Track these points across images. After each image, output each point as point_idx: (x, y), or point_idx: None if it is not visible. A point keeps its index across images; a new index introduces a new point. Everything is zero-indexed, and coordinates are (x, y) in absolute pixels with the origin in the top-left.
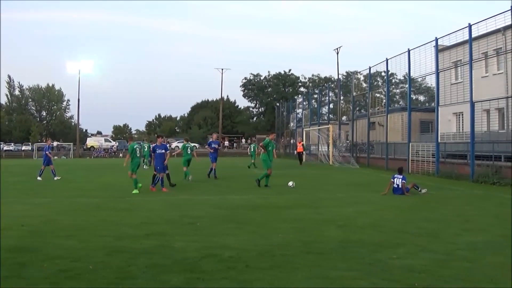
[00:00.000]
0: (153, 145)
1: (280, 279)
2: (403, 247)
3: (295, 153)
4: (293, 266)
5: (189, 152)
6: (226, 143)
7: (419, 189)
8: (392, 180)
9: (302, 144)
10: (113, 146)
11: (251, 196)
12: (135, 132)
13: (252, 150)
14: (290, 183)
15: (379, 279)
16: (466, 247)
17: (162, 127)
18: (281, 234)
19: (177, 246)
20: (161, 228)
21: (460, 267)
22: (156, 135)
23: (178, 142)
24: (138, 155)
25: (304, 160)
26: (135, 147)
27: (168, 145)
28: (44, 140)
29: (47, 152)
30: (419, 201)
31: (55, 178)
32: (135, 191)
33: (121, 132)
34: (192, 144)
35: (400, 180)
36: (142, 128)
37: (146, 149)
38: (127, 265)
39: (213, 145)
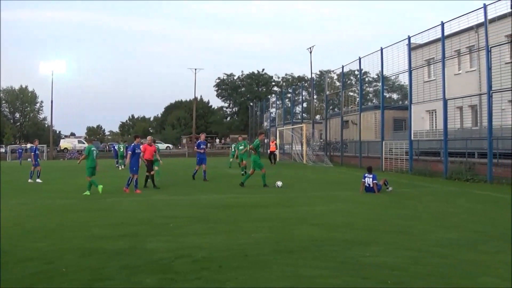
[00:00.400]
0: (132, 144)
1: (253, 278)
2: (376, 245)
3: (268, 152)
4: (265, 266)
5: (94, 158)
6: None
7: (387, 186)
8: (363, 180)
9: (275, 144)
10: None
11: (223, 196)
12: (109, 133)
13: (233, 150)
14: (279, 183)
15: (352, 276)
16: (439, 244)
17: (135, 128)
18: (253, 234)
19: (151, 247)
20: (135, 229)
21: (432, 263)
22: (135, 136)
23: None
24: (94, 158)
25: (277, 159)
26: (92, 149)
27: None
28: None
29: (33, 153)
30: (392, 198)
31: (29, 180)
32: (86, 193)
33: (94, 134)
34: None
35: (371, 179)
36: (116, 129)
37: (121, 150)
38: (101, 267)
39: (202, 146)
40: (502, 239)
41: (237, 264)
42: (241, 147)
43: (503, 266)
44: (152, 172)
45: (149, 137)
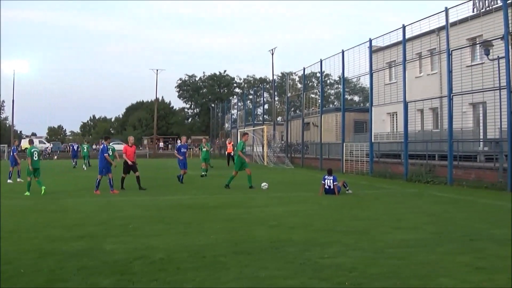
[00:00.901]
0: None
1: (211, 279)
2: (333, 246)
3: (226, 153)
4: (223, 267)
5: (35, 159)
6: (161, 144)
7: (347, 188)
8: (323, 181)
9: (232, 145)
10: (47, 147)
11: (181, 196)
12: (70, 133)
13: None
14: (264, 185)
15: (309, 278)
16: (396, 245)
17: (96, 128)
18: (212, 235)
19: (108, 248)
20: (93, 230)
21: (389, 264)
22: (105, 137)
23: (113, 144)
24: (36, 159)
25: None
26: (32, 150)
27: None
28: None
29: (14, 153)
30: (351, 200)
31: (8, 181)
32: (26, 193)
33: (55, 134)
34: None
35: (331, 181)
36: (77, 129)
37: (85, 150)
38: (58, 268)
39: (182, 150)
40: (460, 240)
41: (195, 265)
42: (204, 149)
43: (461, 268)
44: (137, 173)
45: (130, 137)
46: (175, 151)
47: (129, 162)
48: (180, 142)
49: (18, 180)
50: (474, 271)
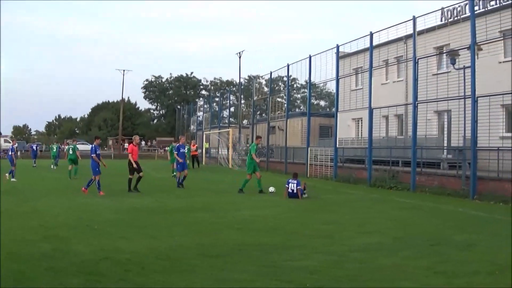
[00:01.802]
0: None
1: (177, 281)
2: (298, 249)
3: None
4: (189, 269)
5: None
6: (126, 145)
7: (304, 192)
8: (287, 185)
9: (196, 147)
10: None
11: (149, 199)
12: (35, 133)
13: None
14: (271, 189)
15: (274, 280)
16: (359, 249)
17: (62, 128)
18: (179, 238)
19: (76, 249)
20: (60, 232)
21: (352, 268)
22: (95, 137)
23: (79, 144)
24: None
25: (203, 163)
26: None
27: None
28: None
29: (12, 153)
30: (316, 204)
31: (12, 180)
32: None
33: (20, 133)
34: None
35: (295, 185)
36: (42, 129)
37: (54, 150)
38: (26, 269)
39: (182, 150)
40: (421, 245)
41: (161, 267)
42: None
43: (422, 272)
44: (141, 174)
45: (136, 137)
46: (175, 151)
47: (134, 164)
48: (180, 142)
49: (13, 180)
50: (434, 275)
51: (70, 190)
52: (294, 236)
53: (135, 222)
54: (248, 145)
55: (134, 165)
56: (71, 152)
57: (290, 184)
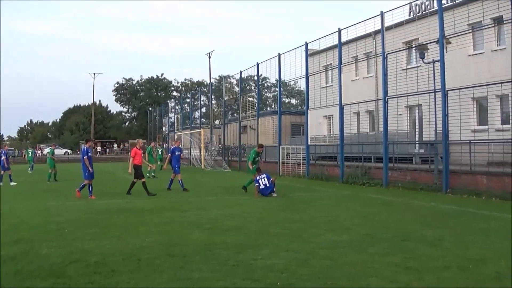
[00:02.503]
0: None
1: (144, 281)
2: (266, 248)
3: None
4: (157, 269)
5: None
6: (99, 148)
7: (274, 190)
8: (257, 183)
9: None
10: None
11: (116, 200)
12: (7, 138)
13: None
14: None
15: (242, 279)
16: (328, 246)
17: (34, 133)
18: (147, 238)
19: (44, 252)
20: (28, 235)
21: (320, 265)
22: (86, 140)
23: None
24: None
25: None
26: None
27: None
28: None
29: (4, 158)
30: (286, 202)
31: (12, 184)
32: None
33: None
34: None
35: (266, 179)
36: (14, 134)
37: (30, 155)
38: None
39: (177, 153)
40: (391, 241)
41: (130, 268)
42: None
43: (391, 268)
44: (143, 179)
45: (140, 140)
46: (169, 154)
47: (130, 169)
48: (175, 145)
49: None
50: (404, 271)
51: (38, 193)
52: (262, 235)
53: (102, 223)
54: (220, 145)
55: (130, 170)
56: (49, 156)
57: (260, 180)
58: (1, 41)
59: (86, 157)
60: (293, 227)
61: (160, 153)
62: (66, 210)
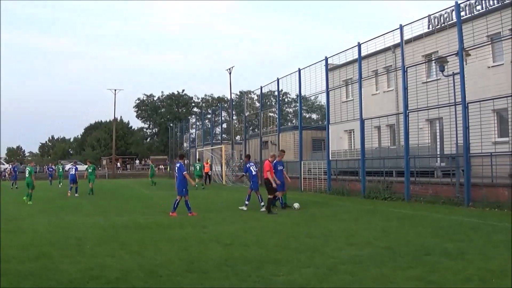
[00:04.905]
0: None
1: None
2: (287, 263)
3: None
4: (177, 285)
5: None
6: (118, 164)
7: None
8: (246, 172)
9: (210, 165)
10: (6, 169)
11: (136, 216)
12: (29, 154)
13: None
14: (296, 205)
15: None
16: (349, 261)
17: (55, 149)
18: (167, 254)
19: (63, 267)
20: (48, 250)
21: (341, 280)
22: (180, 155)
23: (71, 164)
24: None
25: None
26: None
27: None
28: None
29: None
30: (305, 217)
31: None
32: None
33: (14, 155)
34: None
35: (254, 166)
36: (36, 150)
37: (60, 170)
38: None
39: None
40: (412, 255)
41: (151, 284)
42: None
43: (412, 282)
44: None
45: (274, 154)
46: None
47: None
48: (276, 159)
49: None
50: (425, 285)
51: (56, 208)
52: (282, 250)
53: (123, 239)
54: (241, 161)
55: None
56: (27, 175)
57: (251, 167)
58: (20, 57)
59: (186, 172)
60: (313, 242)
61: (197, 169)
62: (84, 226)
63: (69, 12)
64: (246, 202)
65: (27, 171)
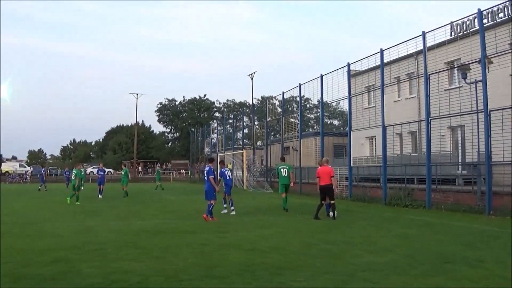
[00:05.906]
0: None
1: None
2: (307, 270)
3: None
4: None
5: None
6: (139, 168)
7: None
8: (221, 177)
9: (231, 170)
10: (27, 171)
11: (156, 221)
12: (50, 157)
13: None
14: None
15: None
16: (368, 268)
17: (77, 152)
18: (187, 259)
19: (84, 271)
20: (68, 254)
21: (361, 287)
22: (209, 159)
23: (93, 168)
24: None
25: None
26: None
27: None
28: None
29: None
30: (326, 223)
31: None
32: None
33: (35, 157)
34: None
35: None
36: (57, 153)
37: (82, 173)
38: None
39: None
40: (432, 262)
41: None
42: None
43: None
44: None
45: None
46: (220, 177)
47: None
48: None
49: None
50: None
51: (76, 213)
52: (301, 257)
53: (144, 244)
54: (262, 166)
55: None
56: (73, 177)
57: (226, 172)
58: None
59: (212, 176)
60: (333, 249)
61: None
62: (104, 230)
63: (91, 18)
64: (224, 205)
65: (73, 173)
